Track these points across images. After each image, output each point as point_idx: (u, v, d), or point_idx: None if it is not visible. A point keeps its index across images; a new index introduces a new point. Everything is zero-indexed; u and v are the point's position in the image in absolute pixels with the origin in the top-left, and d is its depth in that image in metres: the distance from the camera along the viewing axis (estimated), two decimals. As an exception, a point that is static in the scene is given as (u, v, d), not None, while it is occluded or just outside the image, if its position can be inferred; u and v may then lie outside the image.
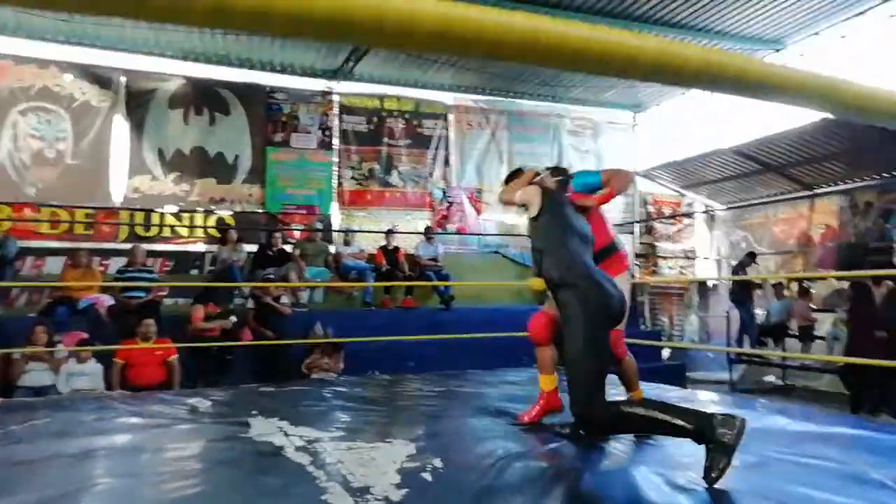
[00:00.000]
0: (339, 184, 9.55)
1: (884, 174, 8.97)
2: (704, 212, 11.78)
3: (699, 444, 2.13)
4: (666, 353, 9.31)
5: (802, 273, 9.75)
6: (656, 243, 11.55)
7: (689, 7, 7.76)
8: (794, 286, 8.90)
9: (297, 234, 8.92)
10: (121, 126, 8.33)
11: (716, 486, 2.03)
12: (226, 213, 8.70)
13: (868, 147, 8.12)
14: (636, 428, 2.35)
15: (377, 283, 7.84)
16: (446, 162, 10.20)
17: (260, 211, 8.95)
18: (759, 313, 8.85)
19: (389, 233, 8.58)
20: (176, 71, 8.69)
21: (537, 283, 2.95)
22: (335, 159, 9.55)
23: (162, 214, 8.41)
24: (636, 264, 10.91)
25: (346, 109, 9.68)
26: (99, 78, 8.24)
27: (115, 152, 8.26)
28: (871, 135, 7.47)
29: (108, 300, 6.45)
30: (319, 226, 9.05)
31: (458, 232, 9.90)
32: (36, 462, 2.36)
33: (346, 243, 8.60)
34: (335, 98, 9.60)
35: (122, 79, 8.36)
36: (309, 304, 7.81)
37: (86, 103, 8.15)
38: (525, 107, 10.72)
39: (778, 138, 9.15)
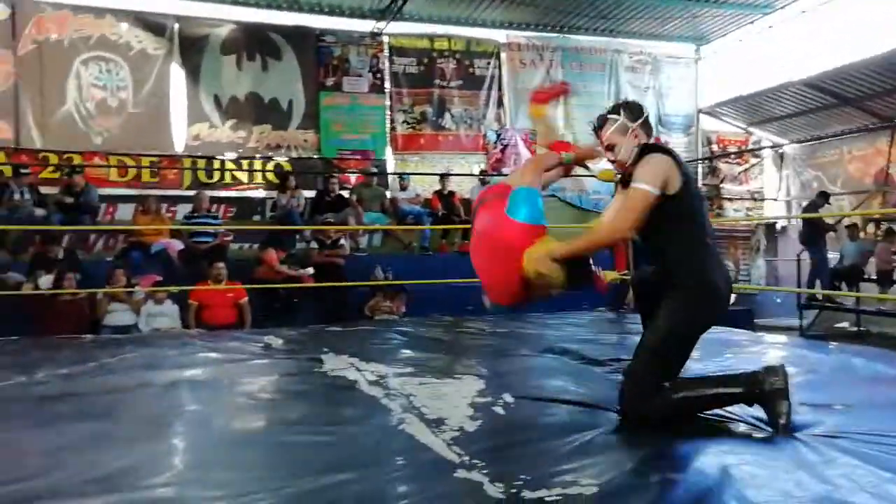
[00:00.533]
0: (392, 128, 9.49)
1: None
2: (772, 147, 11.24)
3: (751, 404, 2.09)
4: (732, 298, 9.08)
5: (880, 209, 9.22)
6: (721, 185, 11.13)
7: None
8: (871, 228, 8.45)
9: (352, 179, 8.97)
10: (177, 74, 8.44)
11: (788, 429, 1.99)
12: (283, 160, 8.81)
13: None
14: (690, 412, 2.16)
15: (434, 227, 7.85)
16: (499, 103, 9.99)
17: (316, 156, 9.02)
18: (832, 257, 8.47)
19: (444, 176, 8.54)
20: (226, 16, 8.70)
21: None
22: (387, 102, 9.48)
23: (222, 161, 8.58)
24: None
25: (395, 51, 9.53)
26: (152, 25, 8.32)
27: (174, 100, 8.40)
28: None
29: (178, 245, 6.70)
30: (374, 170, 9.08)
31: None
32: (130, 390, 2.51)
33: (402, 189, 8.61)
34: (385, 39, 9.45)
35: (175, 25, 8.42)
36: (368, 248, 7.92)
37: (142, 51, 8.26)
38: (580, 42, 10.31)
39: (854, 68, 8.56)
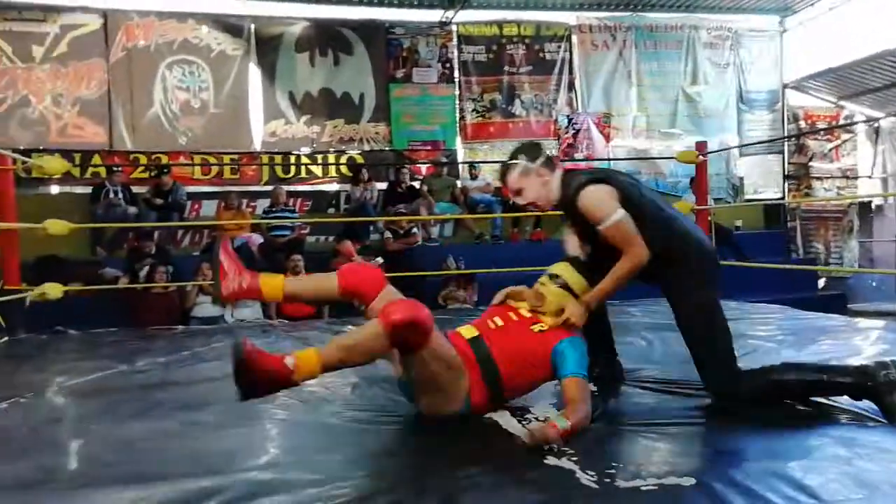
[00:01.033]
0: (462, 117, 9.48)
1: None
2: (867, 121, 10.49)
3: (858, 398, 1.98)
4: (821, 282, 8.60)
5: None
6: (810, 163, 10.50)
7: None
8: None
9: (423, 170, 9.04)
10: (254, 73, 8.72)
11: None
12: (355, 153, 8.97)
13: None
14: (791, 395, 2.08)
15: (505, 215, 7.80)
16: (570, 87, 9.78)
17: (387, 149, 9.13)
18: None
19: (515, 164, 8.44)
20: (299, 13, 8.91)
21: (680, 209, 2.66)
22: (456, 92, 9.47)
23: (298, 156, 8.83)
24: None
25: (464, 39, 9.49)
26: (230, 27, 8.62)
27: (252, 99, 8.70)
28: None
29: (258, 239, 6.97)
30: (444, 160, 9.10)
31: (587, 159, 9.56)
32: (222, 378, 2.61)
33: (473, 177, 8.59)
34: (453, 28, 9.43)
35: (252, 26, 8.69)
36: (440, 238, 7.97)
37: (222, 52, 8.58)
38: (655, 20, 9.93)
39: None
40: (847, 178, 10.64)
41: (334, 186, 8.87)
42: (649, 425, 1.93)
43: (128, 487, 1.53)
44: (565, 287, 2.19)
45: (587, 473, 1.55)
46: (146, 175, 8.09)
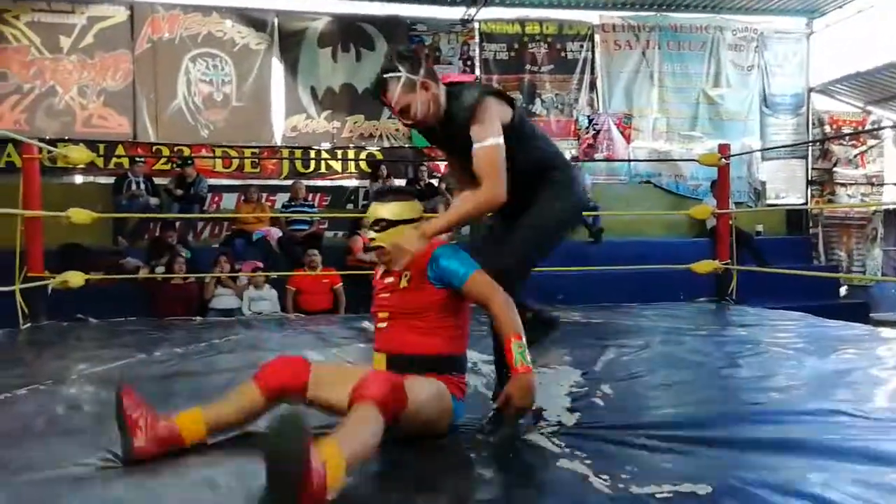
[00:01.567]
0: (482, 115, 9.44)
1: None
2: (894, 127, 10.29)
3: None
4: (843, 290, 8.46)
5: None
6: (834, 168, 10.32)
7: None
8: None
9: (442, 167, 9.02)
10: (277, 67, 8.77)
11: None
12: (375, 149, 8.99)
13: None
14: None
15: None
16: (592, 87, 9.71)
17: (407, 146, 9.14)
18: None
19: (534, 163, 8.42)
20: (322, 8, 8.94)
21: (700, 212, 2.64)
22: (477, 90, 9.43)
23: (318, 151, 8.87)
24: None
25: (486, 37, 9.46)
26: (254, 21, 8.68)
27: (274, 93, 8.75)
28: None
29: (277, 232, 7.01)
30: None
31: (607, 160, 9.50)
32: (240, 369, 2.64)
33: (491, 175, 8.55)
34: (475, 26, 9.40)
35: (275, 20, 8.74)
36: (457, 236, 7.96)
37: (245, 47, 8.64)
38: (679, 20, 9.82)
39: None
40: (872, 184, 10.45)
41: (353, 182, 8.90)
42: (664, 431, 1.91)
43: (146, 477, 1.55)
44: (390, 224, 1.91)
45: (600, 478, 1.54)
46: (168, 167, 8.19)
